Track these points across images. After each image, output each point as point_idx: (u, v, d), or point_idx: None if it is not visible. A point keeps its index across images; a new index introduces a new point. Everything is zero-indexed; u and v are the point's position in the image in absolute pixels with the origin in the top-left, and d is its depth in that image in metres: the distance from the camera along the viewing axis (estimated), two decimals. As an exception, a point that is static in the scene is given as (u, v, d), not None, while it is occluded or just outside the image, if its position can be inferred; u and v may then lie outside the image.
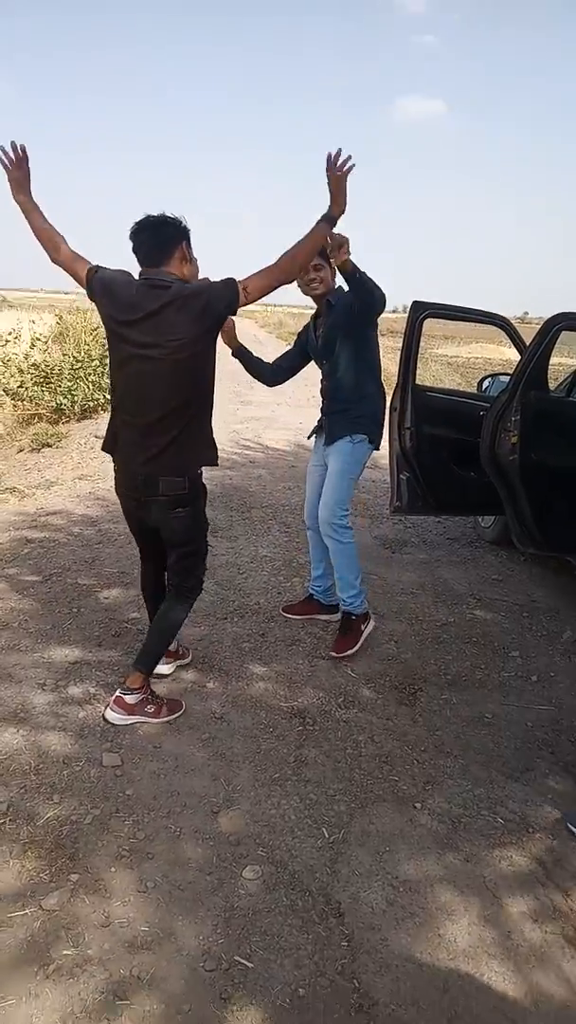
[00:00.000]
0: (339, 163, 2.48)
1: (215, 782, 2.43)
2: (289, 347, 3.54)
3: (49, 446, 7.06)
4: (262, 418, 8.98)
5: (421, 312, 3.86)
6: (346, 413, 3.22)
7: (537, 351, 3.23)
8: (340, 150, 2.48)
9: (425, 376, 13.27)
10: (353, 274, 2.83)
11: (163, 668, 2.97)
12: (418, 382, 3.97)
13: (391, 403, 3.97)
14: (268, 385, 3.56)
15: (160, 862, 2.09)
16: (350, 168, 2.50)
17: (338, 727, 2.77)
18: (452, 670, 3.27)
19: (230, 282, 2.41)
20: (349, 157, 2.48)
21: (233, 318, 2.84)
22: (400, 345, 4.01)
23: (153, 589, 2.91)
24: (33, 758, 2.46)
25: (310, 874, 2.08)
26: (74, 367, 8.66)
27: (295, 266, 2.51)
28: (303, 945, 1.86)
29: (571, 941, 1.92)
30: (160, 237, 2.42)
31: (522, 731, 2.83)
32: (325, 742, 2.68)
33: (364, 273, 2.85)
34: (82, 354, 9.12)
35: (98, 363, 8.89)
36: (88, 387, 8.56)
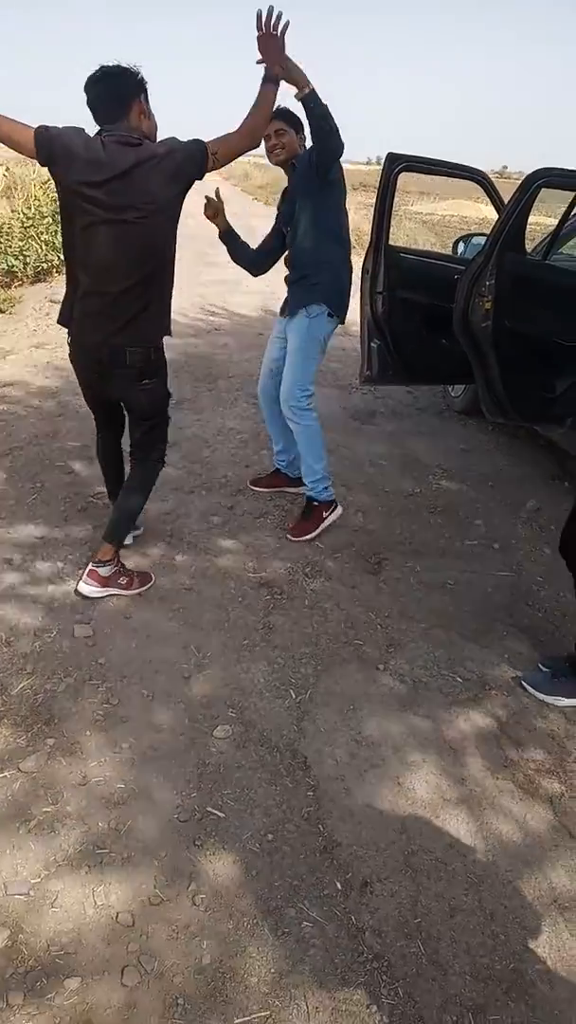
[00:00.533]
0: (271, 22, 2.32)
1: (185, 650, 2.50)
2: (269, 231, 3.30)
3: (1, 312, 6.73)
4: (228, 281, 8.60)
5: (396, 165, 3.61)
6: (303, 281, 3.07)
7: (515, 210, 3.06)
8: (272, 8, 2.31)
9: (398, 236, 12.71)
10: (308, 102, 2.61)
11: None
12: (391, 243, 3.78)
13: (363, 264, 3.80)
14: (252, 275, 3.38)
15: (133, 725, 2.17)
16: (285, 27, 2.33)
17: (305, 595, 2.84)
18: (417, 539, 3.33)
19: (200, 143, 2.24)
20: (281, 14, 2.31)
21: (222, 194, 2.75)
22: (373, 202, 3.79)
23: (112, 459, 2.91)
24: (4, 631, 2.49)
25: (278, 732, 2.19)
26: (24, 225, 8.11)
27: (256, 134, 2.39)
28: (271, 796, 1.98)
29: (521, 787, 2.07)
30: (119, 89, 2.23)
31: (482, 596, 2.93)
32: (292, 610, 2.75)
33: (316, 102, 2.62)
34: (33, 211, 8.53)
35: (50, 220, 8.33)
36: (41, 247, 8.06)
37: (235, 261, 3.30)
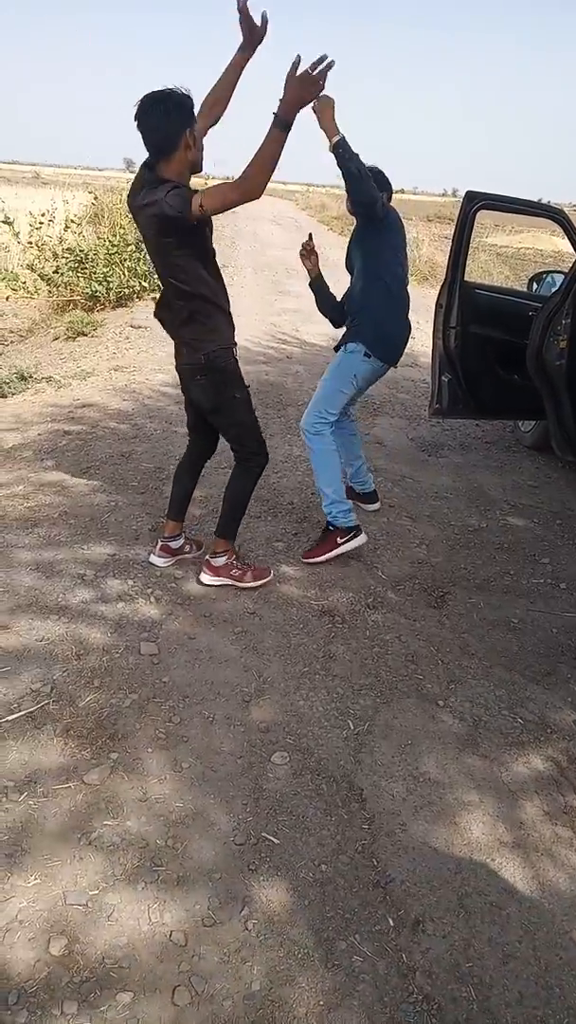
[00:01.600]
0: (317, 65, 2.28)
1: (247, 673, 2.54)
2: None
3: (84, 335, 7.00)
4: (301, 310, 8.74)
5: (474, 203, 3.66)
6: (349, 323, 3.21)
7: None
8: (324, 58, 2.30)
9: (472, 269, 12.70)
10: (336, 152, 2.69)
11: (157, 561, 3.11)
12: (466, 278, 3.81)
13: (437, 299, 3.84)
14: (335, 326, 3.47)
15: (194, 745, 2.22)
16: (328, 66, 2.30)
17: (366, 626, 2.85)
18: (481, 575, 3.30)
19: (185, 196, 2.31)
20: (325, 56, 2.30)
21: (318, 247, 3.10)
22: (449, 234, 3.84)
23: (182, 468, 3.11)
24: (74, 645, 2.58)
25: (335, 762, 2.20)
26: (109, 252, 8.44)
27: (254, 185, 2.28)
28: (326, 826, 1.99)
29: (581, 835, 2.02)
30: (166, 129, 2.34)
31: (547, 636, 2.89)
32: (353, 640, 2.77)
33: (344, 150, 2.67)
34: (117, 238, 8.86)
35: (134, 248, 8.64)
36: (124, 273, 8.36)
37: (321, 311, 3.42)
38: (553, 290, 3.38)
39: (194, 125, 2.39)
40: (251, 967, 1.64)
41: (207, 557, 3.00)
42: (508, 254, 18.38)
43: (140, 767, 2.12)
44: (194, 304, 2.57)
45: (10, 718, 2.24)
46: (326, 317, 3.43)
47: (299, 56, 2.27)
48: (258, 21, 2.57)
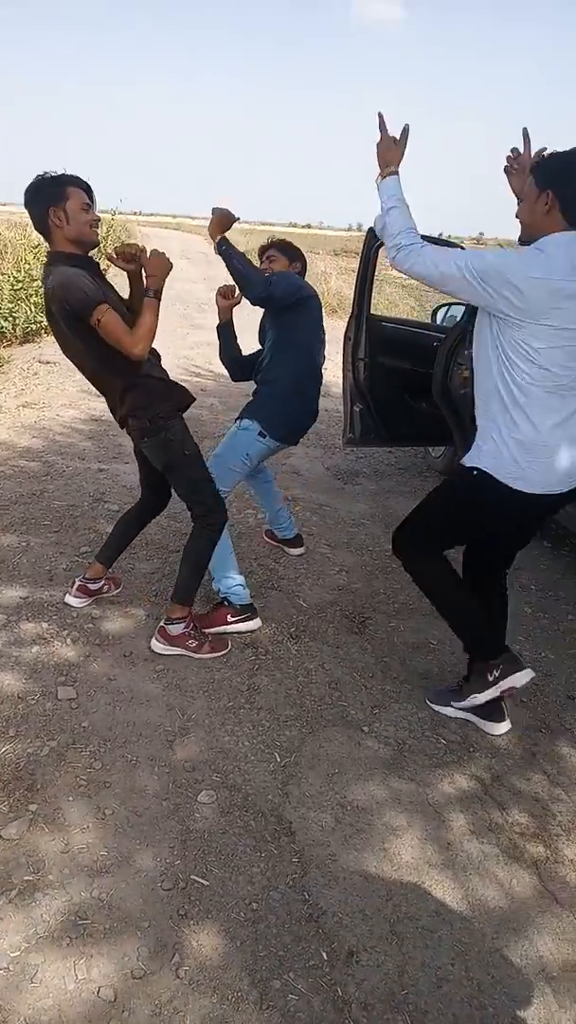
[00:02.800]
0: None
1: (170, 712, 2.49)
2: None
3: (-10, 373, 6.83)
4: (213, 343, 8.67)
5: (377, 240, 3.78)
6: (253, 394, 3.11)
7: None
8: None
9: (379, 301, 13.09)
10: (218, 251, 2.75)
11: (73, 601, 3.02)
12: (372, 311, 3.92)
13: (345, 332, 3.93)
14: (232, 378, 3.42)
15: (117, 790, 2.15)
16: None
17: (289, 656, 2.85)
18: (400, 598, 3.36)
19: (84, 300, 2.33)
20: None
21: (231, 295, 3.10)
22: (356, 267, 3.95)
23: (135, 512, 3.11)
24: (-13, 694, 2.47)
25: (263, 796, 2.18)
26: (14, 287, 8.29)
27: (141, 348, 2.41)
28: (256, 863, 1.96)
29: (506, 852, 2.06)
30: (32, 214, 2.45)
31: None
32: (277, 671, 2.76)
33: (226, 248, 2.73)
34: (22, 273, 8.72)
35: (39, 283, 8.52)
36: (30, 308, 8.23)
37: (220, 358, 3.36)
38: (456, 321, 3.52)
39: (58, 203, 2.38)
40: (184, 1017, 1.59)
41: (163, 623, 2.81)
42: (414, 285, 19.02)
43: (61, 817, 2.04)
44: (110, 379, 2.60)
45: None
46: (224, 367, 3.36)
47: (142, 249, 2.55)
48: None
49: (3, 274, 8.99)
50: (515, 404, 2.10)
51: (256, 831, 2.06)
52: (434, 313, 5.14)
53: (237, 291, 3.03)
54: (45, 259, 2.53)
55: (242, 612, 2.98)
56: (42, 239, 2.50)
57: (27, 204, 2.43)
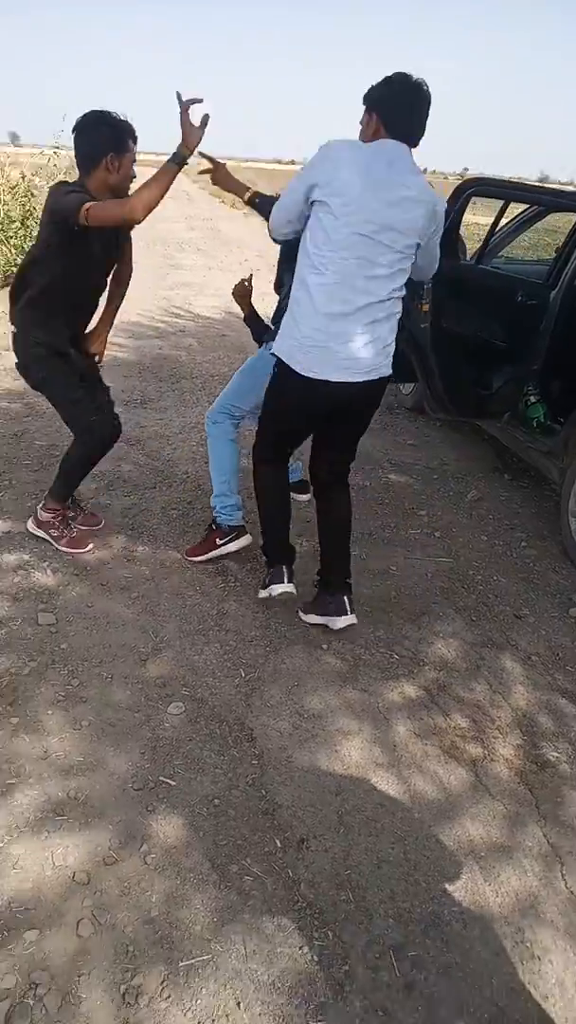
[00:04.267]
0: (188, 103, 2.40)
1: (144, 634, 2.66)
2: None
3: (-34, 317, 6.80)
4: (193, 284, 8.76)
5: (467, 190, 3.79)
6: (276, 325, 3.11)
7: (447, 219, 3.25)
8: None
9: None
10: (249, 204, 2.78)
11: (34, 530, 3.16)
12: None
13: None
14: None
15: (93, 704, 2.33)
16: (205, 119, 2.43)
17: (257, 583, 3.00)
18: (365, 529, 3.51)
19: (76, 199, 2.42)
20: (200, 101, 2.41)
21: (249, 284, 3.12)
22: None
23: None
24: (-30, 621, 2.63)
25: (227, 708, 2.36)
26: (-9, 230, 8.17)
27: (138, 206, 2.41)
28: (219, 765, 2.15)
29: (447, 752, 2.26)
30: (88, 147, 2.53)
31: (422, 580, 3.13)
32: (245, 596, 2.92)
33: (261, 201, 2.72)
34: (1, 215, 8.57)
35: (19, 225, 8.39)
36: (10, 251, 8.12)
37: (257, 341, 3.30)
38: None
39: (120, 153, 2.51)
40: (150, 896, 1.79)
41: (38, 507, 3.12)
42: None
43: (40, 728, 2.22)
44: (32, 292, 2.76)
45: None
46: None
47: (179, 95, 2.40)
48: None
49: (-21, 218, 8.83)
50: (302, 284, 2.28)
51: (220, 737, 2.25)
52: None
53: (250, 279, 3.16)
54: (59, 184, 2.61)
55: (230, 532, 3.10)
56: (21, 181, 2.58)
57: (85, 135, 2.50)
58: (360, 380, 2.29)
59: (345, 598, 2.71)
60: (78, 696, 2.36)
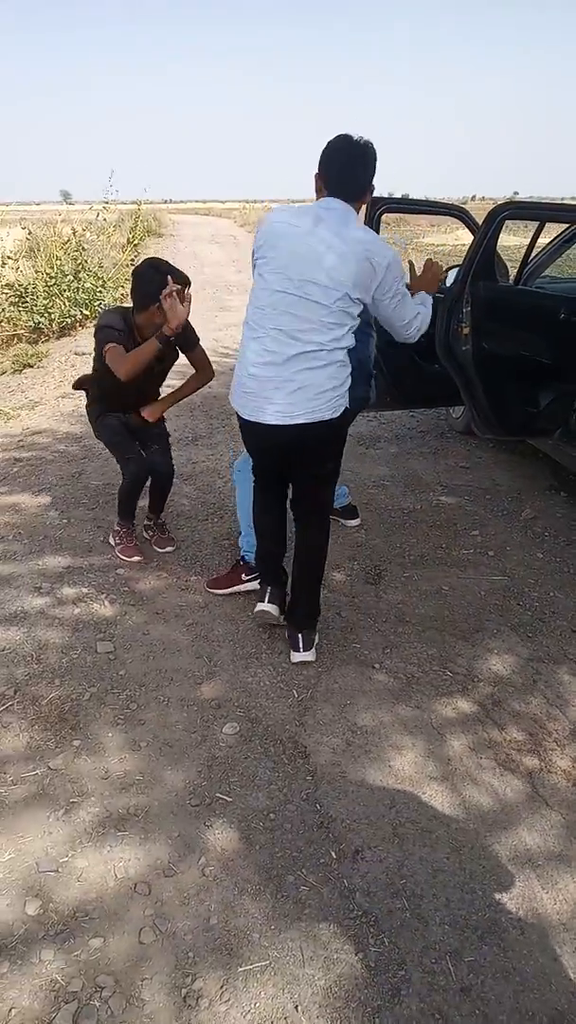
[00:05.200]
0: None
1: (198, 659, 2.73)
2: None
3: (31, 366, 7.15)
4: (240, 324, 8.99)
5: (378, 207, 3.91)
6: None
7: (483, 242, 3.32)
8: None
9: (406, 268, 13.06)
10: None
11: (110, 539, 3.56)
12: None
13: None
14: None
15: (151, 726, 2.41)
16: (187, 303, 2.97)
17: (308, 607, 3.06)
18: (416, 551, 3.54)
19: (104, 336, 3.07)
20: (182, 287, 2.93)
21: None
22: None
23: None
24: (34, 650, 2.75)
25: (281, 727, 2.41)
26: (48, 284, 8.61)
27: (123, 374, 2.99)
28: (274, 781, 2.19)
29: (502, 764, 2.25)
30: (144, 297, 3.04)
31: (476, 599, 3.13)
32: (296, 620, 2.97)
33: None
34: (55, 270, 9.03)
35: (71, 278, 8.82)
36: (64, 303, 8.53)
37: None
38: (452, 282, 3.62)
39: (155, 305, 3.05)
40: (208, 905, 1.83)
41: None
42: (445, 251, 18.87)
43: (101, 749, 2.30)
44: (92, 394, 3.49)
45: (-23, 720, 2.41)
46: None
47: (168, 280, 2.93)
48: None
49: (37, 271, 9.31)
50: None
51: (274, 755, 2.29)
52: (445, 275, 5.22)
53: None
54: (107, 312, 3.21)
55: (254, 571, 3.14)
56: (72, 236, 2.84)
57: (144, 285, 3.00)
58: (292, 423, 2.38)
59: (300, 636, 2.73)
60: (136, 718, 2.44)
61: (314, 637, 2.76)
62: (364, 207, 2.53)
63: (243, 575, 3.17)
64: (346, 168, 2.34)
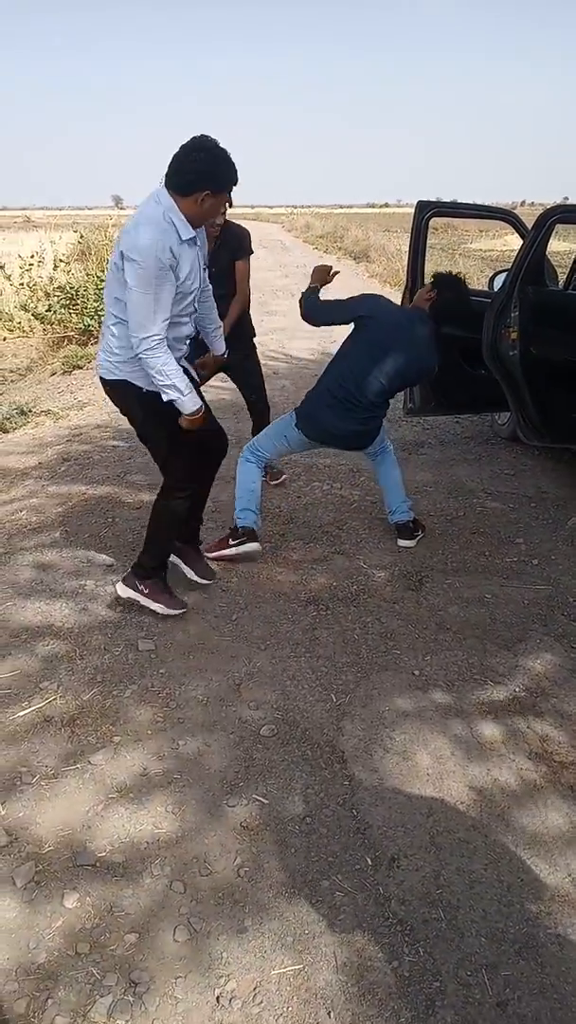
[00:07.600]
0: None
1: (237, 661, 2.75)
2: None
3: (80, 368, 7.29)
4: (287, 328, 9.03)
5: (426, 211, 3.90)
6: None
7: (532, 246, 3.28)
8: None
9: (431, 269, 12.94)
10: None
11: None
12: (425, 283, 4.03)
13: (400, 304, 4.06)
14: None
15: (189, 725, 2.42)
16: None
17: (348, 611, 3.05)
18: (458, 558, 3.50)
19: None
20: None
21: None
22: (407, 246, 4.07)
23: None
24: (77, 647, 2.80)
25: (319, 731, 2.40)
26: (99, 287, 8.75)
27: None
28: (311, 785, 2.19)
29: (543, 776, 2.21)
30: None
31: (519, 608, 3.08)
32: (336, 624, 2.97)
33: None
34: (105, 273, 9.17)
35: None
36: (113, 304, 8.65)
37: None
38: (500, 287, 3.59)
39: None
40: (243, 907, 1.84)
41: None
42: (492, 257, 18.67)
43: (141, 747, 2.33)
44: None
45: (21, 714, 2.46)
46: None
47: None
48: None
49: (89, 275, 9.48)
50: None
51: (312, 759, 2.29)
52: (491, 280, 5.17)
53: (334, 273, 3.38)
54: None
55: (241, 535, 3.34)
56: None
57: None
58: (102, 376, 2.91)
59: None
60: (175, 717, 2.46)
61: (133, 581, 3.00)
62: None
63: (230, 540, 3.38)
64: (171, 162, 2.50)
